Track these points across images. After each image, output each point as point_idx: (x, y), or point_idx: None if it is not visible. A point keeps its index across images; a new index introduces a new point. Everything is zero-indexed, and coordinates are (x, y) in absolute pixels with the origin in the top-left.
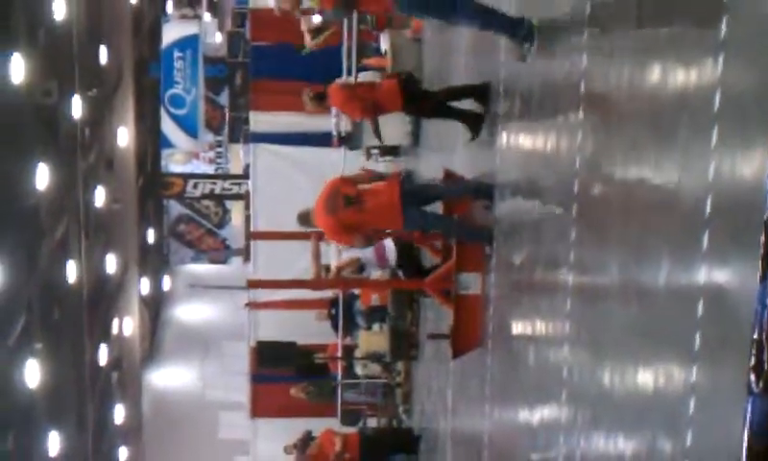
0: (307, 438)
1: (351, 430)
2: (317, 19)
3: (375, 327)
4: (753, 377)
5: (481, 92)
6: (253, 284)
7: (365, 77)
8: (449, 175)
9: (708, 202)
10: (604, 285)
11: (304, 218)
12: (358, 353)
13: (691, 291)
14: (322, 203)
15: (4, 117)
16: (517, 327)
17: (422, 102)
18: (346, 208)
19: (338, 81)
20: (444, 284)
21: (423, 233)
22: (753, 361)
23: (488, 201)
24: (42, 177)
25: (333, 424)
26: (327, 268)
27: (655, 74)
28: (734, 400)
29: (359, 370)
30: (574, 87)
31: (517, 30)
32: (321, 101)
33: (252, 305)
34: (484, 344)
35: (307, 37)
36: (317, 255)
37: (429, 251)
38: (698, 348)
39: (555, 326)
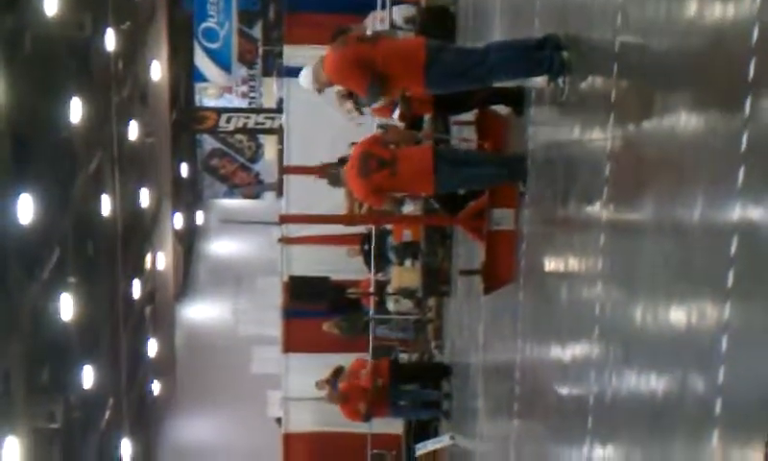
0: (338, 371)
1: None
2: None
3: (407, 262)
4: None
5: (514, 98)
6: (286, 219)
7: (399, 11)
8: (485, 117)
9: (744, 138)
10: (638, 221)
11: (334, 179)
12: (390, 289)
13: (725, 228)
14: (354, 164)
15: (38, 51)
16: (550, 264)
17: (455, 105)
18: (378, 171)
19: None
20: (476, 220)
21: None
22: None
23: (522, 170)
24: (76, 110)
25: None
26: (361, 203)
27: (691, 9)
28: (767, 335)
29: (391, 305)
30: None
31: (549, 67)
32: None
33: (285, 240)
34: (516, 280)
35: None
36: (350, 192)
37: (468, 232)
38: (731, 285)
39: (588, 262)
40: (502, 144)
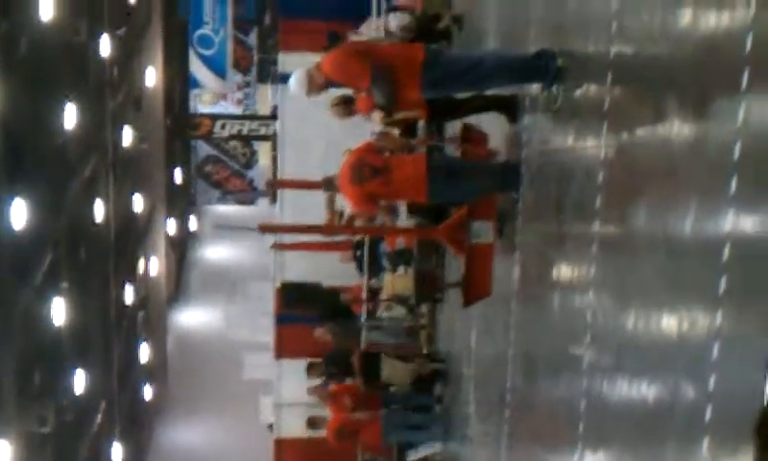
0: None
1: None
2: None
3: (400, 269)
4: None
5: (508, 105)
6: (265, 229)
7: (395, 19)
8: (468, 132)
9: (737, 146)
10: (630, 229)
11: (329, 184)
12: (383, 295)
13: (718, 236)
14: (347, 172)
15: (33, 56)
16: (543, 271)
17: (449, 110)
18: (372, 179)
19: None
20: (456, 233)
21: (449, 205)
22: None
23: (515, 179)
24: (70, 116)
25: None
26: (341, 214)
27: (685, 18)
28: (758, 345)
29: (383, 311)
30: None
31: (544, 75)
32: (348, 105)
33: (278, 247)
34: (504, 292)
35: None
36: (331, 203)
37: (449, 245)
38: (723, 293)
39: (581, 269)
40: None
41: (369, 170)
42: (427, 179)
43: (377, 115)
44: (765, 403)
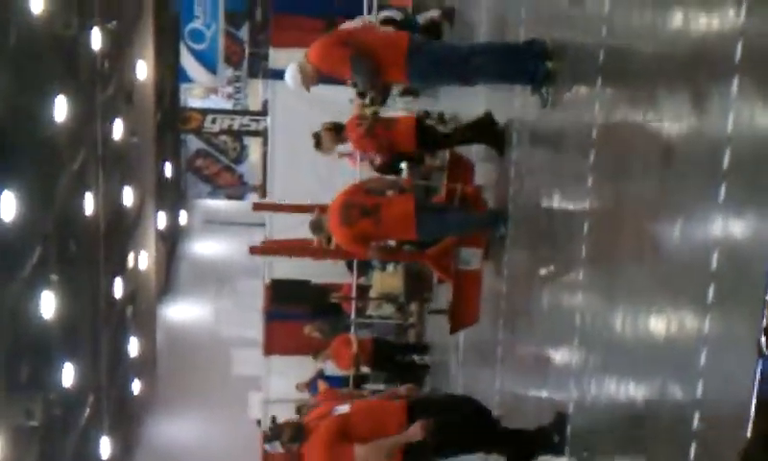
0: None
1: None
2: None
3: (389, 268)
4: (764, 339)
5: (495, 136)
6: (255, 251)
7: (387, 12)
8: (456, 163)
9: (727, 154)
10: (620, 234)
11: (317, 226)
12: (372, 294)
13: (706, 243)
14: (336, 214)
15: (24, 49)
16: (532, 271)
17: (437, 143)
18: (361, 219)
19: (354, 114)
20: (444, 258)
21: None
22: (765, 323)
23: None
24: (61, 109)
25: None
26: (329, 238)
27: (675, 24)
28: (745, 352)
29: (372, 310)
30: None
31: (533, 77)
32: (338, 133)
33: (256, 250)
34: (481, 318)
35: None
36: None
37: (436, 271)
38: (711, 299)
39: (570, 273)
40: (471, 186)
41: (357, 211)
42: (416, 219)
43: (357, 102)
44: (748, 434)
